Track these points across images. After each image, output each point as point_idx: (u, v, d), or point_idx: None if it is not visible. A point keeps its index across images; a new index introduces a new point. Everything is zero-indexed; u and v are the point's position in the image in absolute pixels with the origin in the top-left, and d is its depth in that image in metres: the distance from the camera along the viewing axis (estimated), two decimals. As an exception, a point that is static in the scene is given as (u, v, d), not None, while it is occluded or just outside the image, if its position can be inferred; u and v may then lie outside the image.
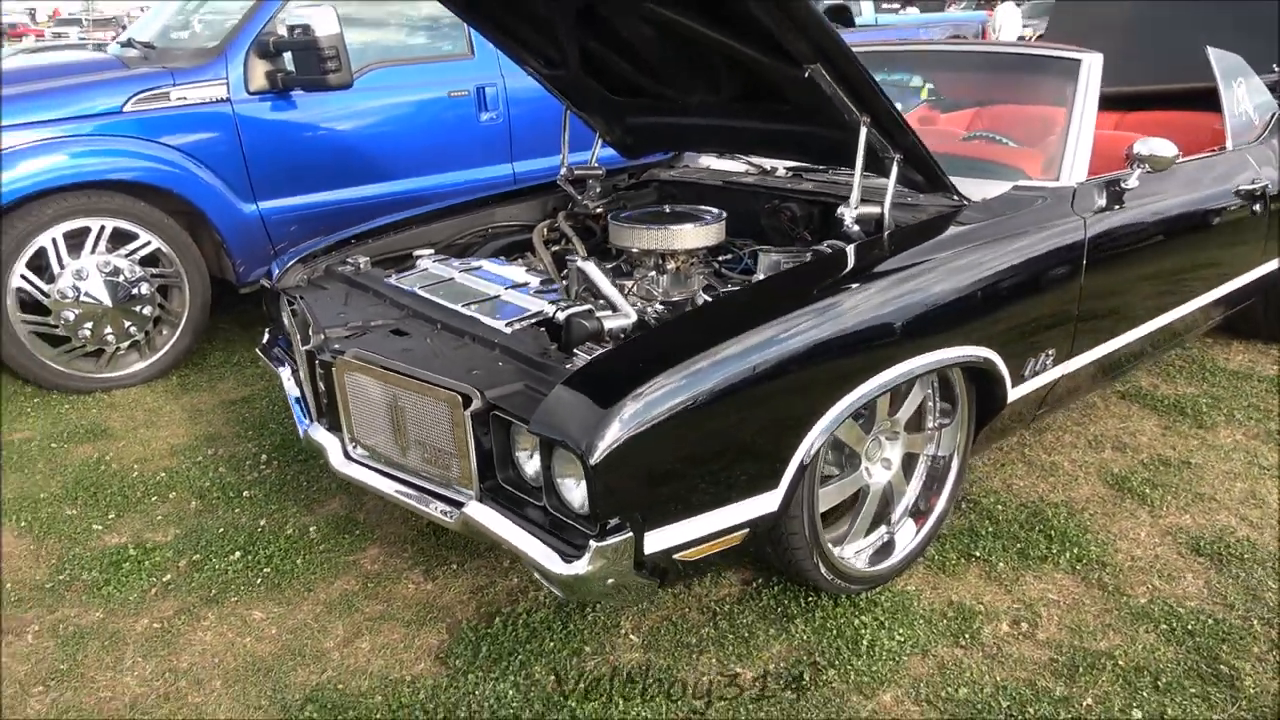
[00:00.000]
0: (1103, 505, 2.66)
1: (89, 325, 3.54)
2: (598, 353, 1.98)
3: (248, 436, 3.24)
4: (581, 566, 1.71)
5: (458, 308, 2.28)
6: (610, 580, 1.77)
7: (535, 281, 2.43)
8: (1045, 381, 2.51)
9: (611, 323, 2.13)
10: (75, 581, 2.43)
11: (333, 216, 3.95)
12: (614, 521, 1.74)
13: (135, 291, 3.61)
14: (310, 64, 3.66)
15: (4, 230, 3.36)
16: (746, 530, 1.94)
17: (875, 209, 2.39)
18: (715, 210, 2.69)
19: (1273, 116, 3.52)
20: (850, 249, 2.29)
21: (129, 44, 4.27)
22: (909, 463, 2.46)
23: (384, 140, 4.15)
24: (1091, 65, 2.76)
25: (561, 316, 2.14)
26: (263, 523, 2.67)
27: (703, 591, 2.31)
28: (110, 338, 3.60)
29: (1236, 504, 2.65)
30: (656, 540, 1.79)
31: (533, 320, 2.18)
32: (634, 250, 2.63)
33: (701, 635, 2.15)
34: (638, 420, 1.69)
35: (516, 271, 2.54)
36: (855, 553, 2.31)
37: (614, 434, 1.66)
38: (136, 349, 3.73)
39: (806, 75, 2.19)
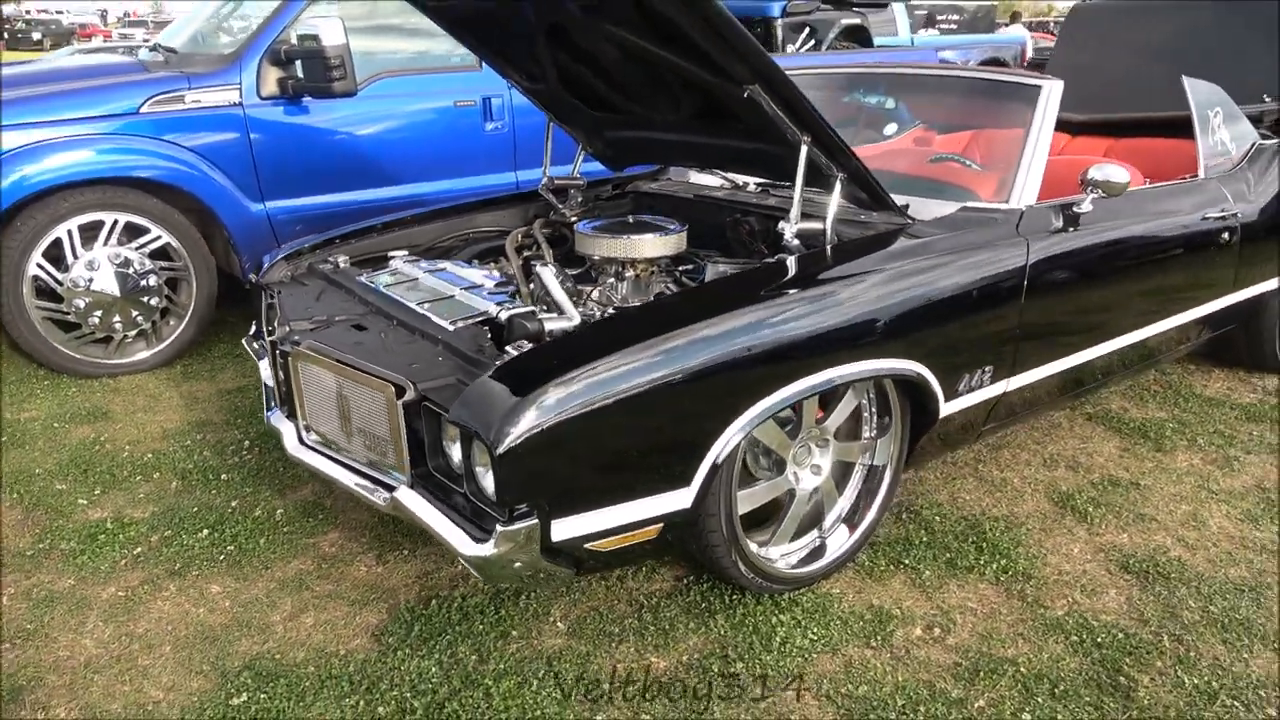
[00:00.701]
0: (1042, 521, 2.71)
1: (98, 313, 3.75)
2: (526, 349, 2.10)
3: (236, 424, 3.41)
4: (487, 549, 1.83)
5: (413, 305, 2.42)
6: (518, 564, 1.88)
7: (491, 284, 2.56)
8: (985, 398, 2.58)
9: (554, 324, 2.25)
10: (54, 550, 2.60)
11: (338, 218, 4.11)
12: (522, 508, 1.85)
13: (143, 283, 3.82)
14: (316, 71, 3.84)
15: (24, 220, 3.58)
16: (660, 525, 2.04)
17: (819, 224, 2.49)
18: (676, 222, 2.80)
19: (1252, 146, 3.54)
20: (788, 260, 2.38)
21: (155, 49, 4.50)
22: (844, 471, 2.54)
23: (389, 146, 4.32)
24: (1051, 92, 2.83)
25: (503, 316, 2.26)
26: (235, 504, 2.82)
27: (635, 585, 2.41)
28: (118, 326, 3.81)
29: (1176, 525, 2.69)
30: (565, 528, 1.90)
31: (477, 319, 2.31)
32: (596, 258, 2.75)
33: (624, 625, 2.26)
34: (547, 413, 1.80)
35: (477, 274, 2.67)
36: (782, 555, 2.40)
37: (521, 425, 1.78)
38: (144, 338, 3.93)
39: (746, 95, 2.30)
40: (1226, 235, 3.21)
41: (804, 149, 2.40)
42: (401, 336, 2.33)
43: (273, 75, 3.99)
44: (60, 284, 3.68)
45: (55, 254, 3.68)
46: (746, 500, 2.27)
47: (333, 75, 3.83)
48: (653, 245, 2.67)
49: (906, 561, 2.50)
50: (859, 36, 6.44)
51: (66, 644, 2.22)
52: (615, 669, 2.11)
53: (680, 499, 2.02)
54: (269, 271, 2.95)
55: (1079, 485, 2.92)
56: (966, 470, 3.02)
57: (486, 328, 2.29)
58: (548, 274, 2.48)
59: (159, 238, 3.84)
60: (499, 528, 1.83)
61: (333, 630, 2.26)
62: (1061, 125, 4.16)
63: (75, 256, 3.68)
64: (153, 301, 3.87)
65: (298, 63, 3.94)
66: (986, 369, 2.54)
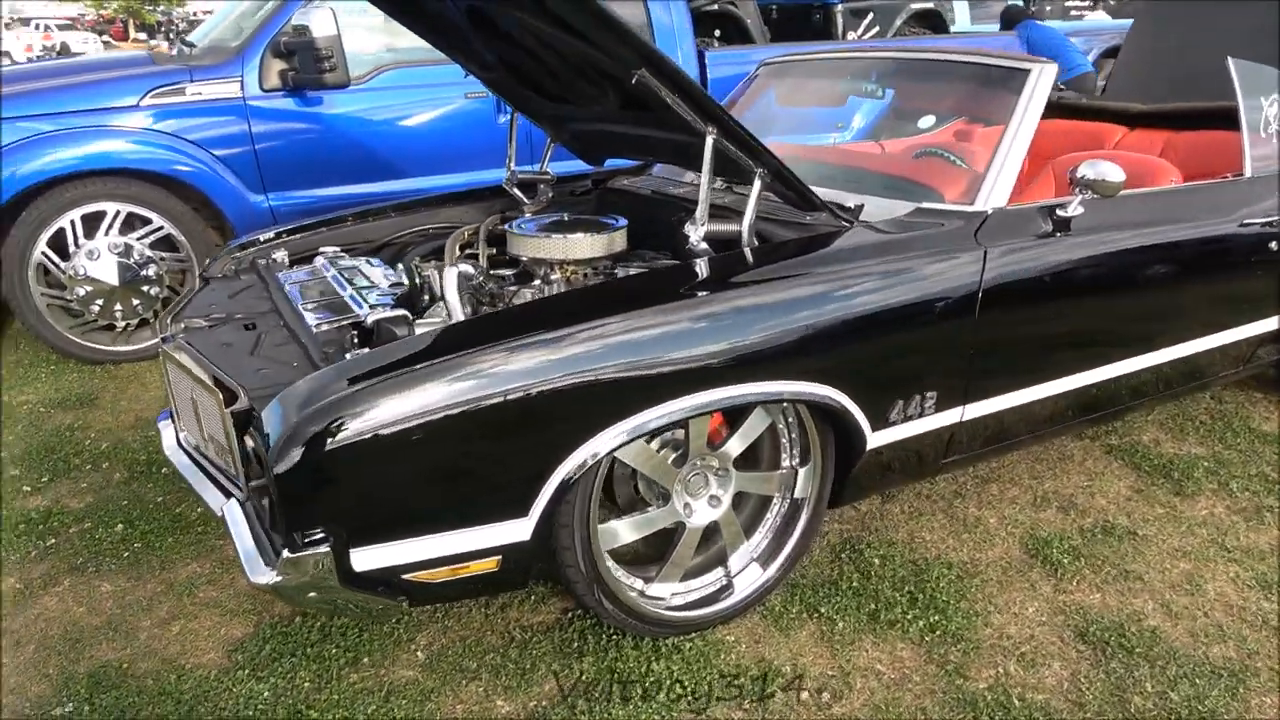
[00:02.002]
0: (1004, 571, 2.36)
1: (99, 302, 3.83)
2: (348, 356, 1.92)
3: (205, 416, 3.40)
4: (269, 576, 1.68)
5: (297, 306, 2.30)
6: (313, 594, 1.73)
7: (385, 284, 2.41)
8: (930, 428, 2.26)
9: (427, 329, 2.08)
10: (-22, 537, 2.63)
11: (340, 210, 4.09)
12: (316, 534, 1.70)
13: (144, 273, 3.88)
14: (309, 64, 3.80)
15: (30, 210, 3.69)
16: (498, 558, 1.85)
17: (733, 225, 2.23)
18: (614, 221, 2.59)
19: (1325, 140, 3.02)
20: (692, 264, 2.14)
21: (184, 43, 4.59)
22: (762, 504, 2.28)
23: (395, 138, 4.26)
24: (1039, 78, 2.46)
25: (370, 320, 2.11)
26: (162, 499, 2.80)
27: (517, 615, 2.23)
28: (118, 314, 3.88)
29: (1165, 588, 2.29)
30: (370, 558, 1.74)
31: (346, 322, 2.16)
32: (524, 259, 2.58)
33: (484, 662, 2.07)
34: (339, 431, 1.64)
35: (382, 274, 2.52)
36: (674, 593, 2.16)
37: (306, 444, 1.62)
38: (148, 326, 4.01)
39: (635, 81, 2.07)
40: (1276, 245, 2.74)
41: (709, 140, 2.14)
42: (280, 338, 2.22)
43: (275, 68, 3.98)
44: (63, 272, 3.78)
45: (61, 243, 3.78)
46: (622, 532, 2.05)
47: (324, 67, 3.79)
48: (580, 245, 2.47)
49: (824, 610, 2.21)
50: (931, 21, 5.98)
51: (-57, 636, 2.22)
52: (456, 710, 1.94)
53: (518, 530, 1.82)
54: (215, 263, 2.90)
55: (1063, 530, 2.54)
56: (939, 505, 2.68)
57: (354, 331, 2.14)
58: (449, 275, 2.32)
59: (161, 228, 3.90)
60: (284, 554, 1.68)
61: (192, 642, 2.17)
62: (1118, 117, 3.71)
63: (77, 246, 3.77)
64: (153, 291, 3.93)
65: (295, 55, 3.91)
66: (928, 395, 2.22)
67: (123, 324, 3.92)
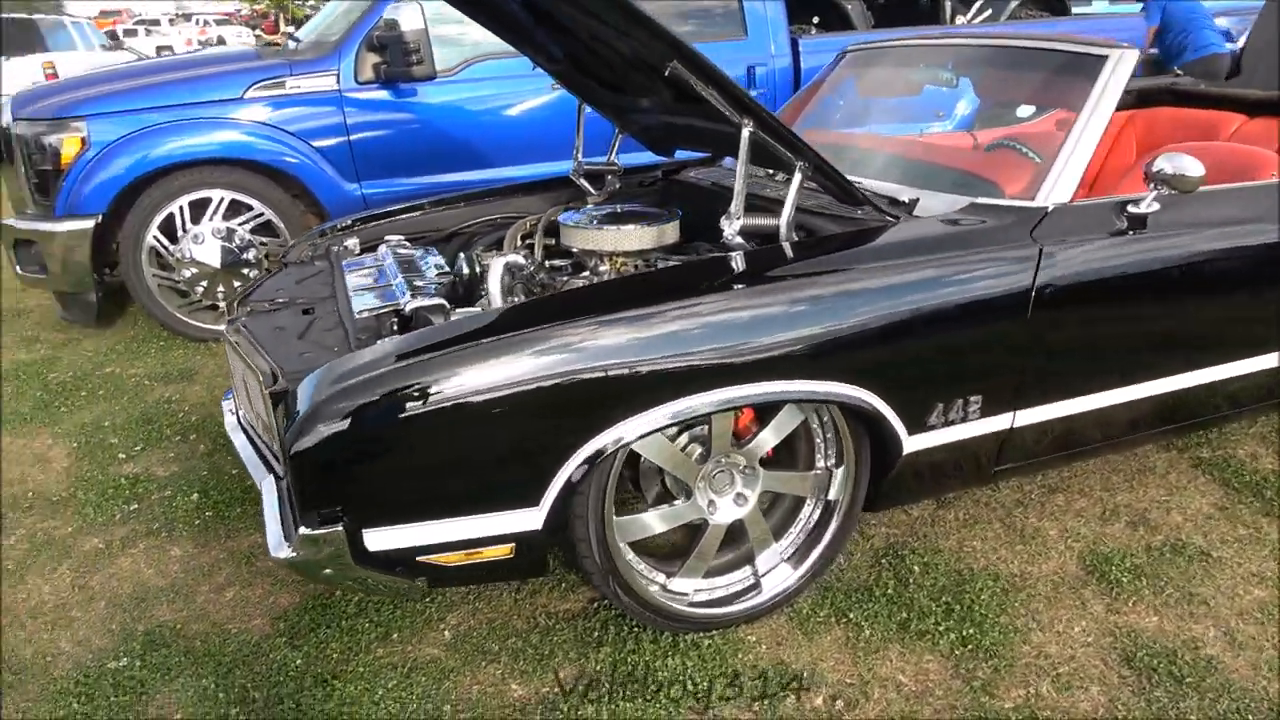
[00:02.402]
0: (1054, 587, 2.24)
1: (204, 283, 4.08)
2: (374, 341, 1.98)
3: (289, 394, 3.58)
4: (285, 552, 1.76)
5: (349, 292, 2.39)
6: (329, 571, 1.80)
7: (434, 274, 2.47)
8: (972, 434, 2.16)
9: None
10: (74, 498, 2.85)
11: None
12: (332, 513, 1.76)
13: (244, 256, 4.11)
14: (398, 57, 3.93)
15: (144, 196, 3.96)
16: (512, 544, 1.88)
17: (771, 220, 2.19)
18: (665, 212, 2.59)
19: None
20: (725, 258, 2.11)
21: (292, 38, 4.82)
22: (795, 505, 2.23)
23: (483, 129, 4.35)
24: (1118, 65, 2.31)
25: (408, 308, 2.17)
26: (235, 471, 2.96)
27: (545, 601, 2.26)
28: (221, 295, 4.12)
29: (1232, 615, 2.12)
30: (385, 539, 1.79)
31: (387, 309, 2.23)
32: (575, 250, 2.60)
33: (505, 645, 2.11)
34: (358, 415, 1.70)
35: (435, 264, 2.58)
36: (696, 589, 2.14)
37: (322, 426, 1.69)
38: (249, 307, 4.24)
39: (669, 74, 2.05)
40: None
41: (745, 133, 2.10)
42: (331, 323, 2.31)
43: (369, 61, 4.13)
44: (171, 255, 4.04)
45: (171, 228, 4.04)
46: (645, 525, 2.05)
47: (411, 60, 3.91)
48: (629, 237, 2.48)
49: (853, 615, 2.15)
50: (1050, 3, 5.65)
51: (30, 587, 2.42)
52: (471, 691, 1.98)
53: (529, 519, 1.85)
54: (293, 249, 3.05)
55: (1129, 547, 2.38)
56: (997, 513, 2.56)
57: (395, 319, 2.21)
58: (495, 265, 2.36)
59: (261, 214, 4.12)
60: (301, 530, 1.75)
61: (243, 608, 2.30)
62: (1237, 104, 3.44)
63: (184, 230, 4.03)
64: (253, 273, 4.15)
65: (387, 49, 4.05)
66: (972, 400, 2.12)
67: (225, 304, 4.16)
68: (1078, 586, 2.24)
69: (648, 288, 1.98)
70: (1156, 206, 2.22)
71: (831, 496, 2.19)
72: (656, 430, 1.86)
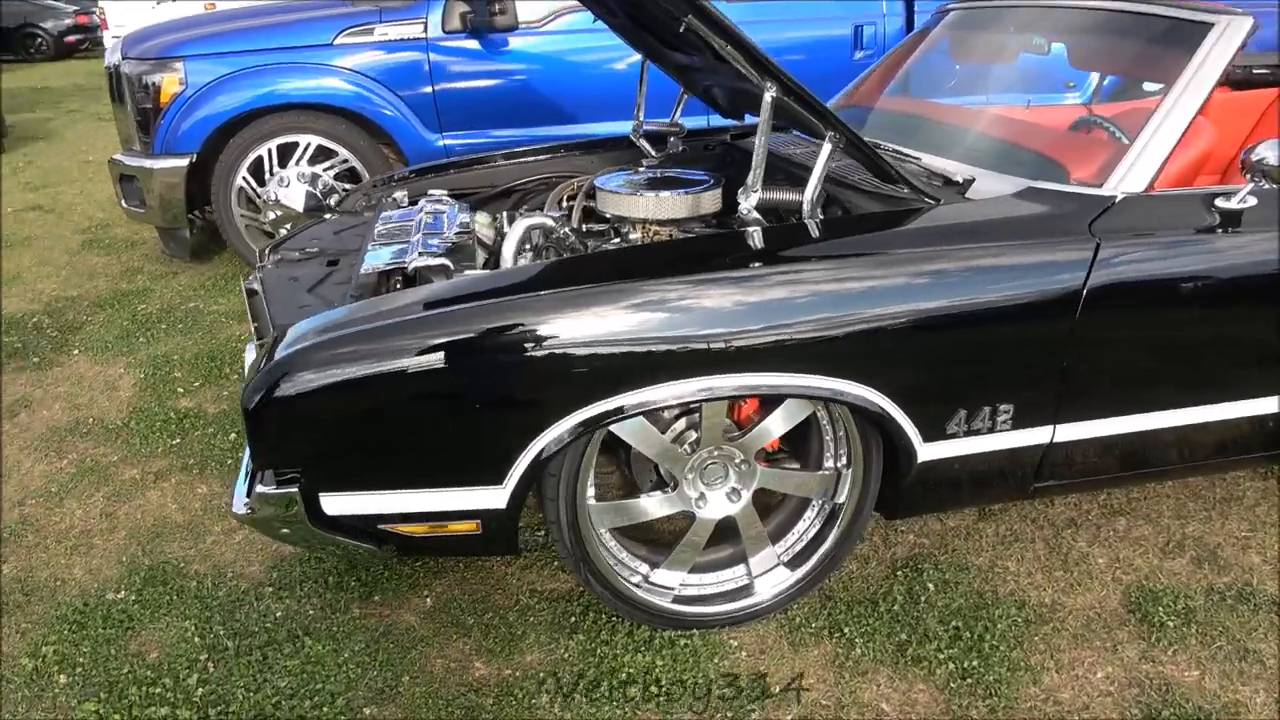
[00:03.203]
0: (1086, 623, 2.01)
1: (286, 226, 4.17)
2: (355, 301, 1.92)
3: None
4: (242, 508, 1.74)
5: (368, 246, 2.35)
6: (286, 530, 1.77)
7: (452, 232, 2.40)
8: (1002, 446, 1.94)
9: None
10: (126, 428, 2.98)
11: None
12: (289, 474, 1.73)
13: (327, 202, 4.17)
14: (482, 6, 3.87)
15: (235, 139, 4.07)
16: (477, 521, 1.81)
17: (793, 195, 2.01)
18: (710, 180, 2.44)
19: None
20: (718, 233, 1.96)
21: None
22: (801, 507, 2.08)
23: (568, 83, 4.25)
24: (1224, 34, 2.00)
25: (411, 266, 2.11)
26: (278, 415, 3.01)
27: (534, 578, 2.20)
28: (302, 239, 4.21)
29: (1290, 679, 1.85)
30: (341, 504, 1.76)
31: (390, 267, 2.18)
32: (609, 215, 2.50)
33: (481, 620, 2.06)
34: (302, 377, 1.65)
35: (464, 221, 2.52)
36: (682, 584, 2.03)
37: (272, 385, 1.65)
38: (330, 252, 4.32)
39: (683, 29, 1.89)
40: None
41: (768, 97, 1.93)
42: (344, 277, 2.29)
43: (457, 10, 4.08)
44: (258, 196, 4.15)
45: (259, 170, 4.15)
46: (627, 512, 1.94)
47: (494, 10, 3.84)
48: (660, 205, 2.34)
49: (847, 630, 1.99)
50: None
51: (66, 511, 2.54)
52: (435, 664, 1.94)
53: (492, 497, 1.77)
54: (348, 198, 3.06)
55: (1187, 586, 2.11)
56: (1044, 532, 2.32)
57: (400, 277, 2.16)
58: (516, 227, 2.28)
59: (346, 160, 4.17)
60: (256, 489, 1.73)
61: (245, 553, 2.33)
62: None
63: (271, 174, 4.12)
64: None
65: (474, -2, 4.00)
66: (1001, 409, 1.90)
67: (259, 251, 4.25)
68: (1114, 625, 2.00)
69: (638, 261, 1.85)
70: (1253, 201, 1.92)
71: (838, 499, 2.02)
72: (628, 417, 1.73)
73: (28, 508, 2.55)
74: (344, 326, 1.70)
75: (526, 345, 1.65)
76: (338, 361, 1.66)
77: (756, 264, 1.75)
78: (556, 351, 1.66)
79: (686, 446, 1.91)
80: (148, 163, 4.10)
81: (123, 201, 4.35)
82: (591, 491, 1.91)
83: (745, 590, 2.05)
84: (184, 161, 4.05)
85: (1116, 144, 2.14)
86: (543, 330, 1.66)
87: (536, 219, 2.40)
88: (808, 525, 2.07)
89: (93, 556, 2.33)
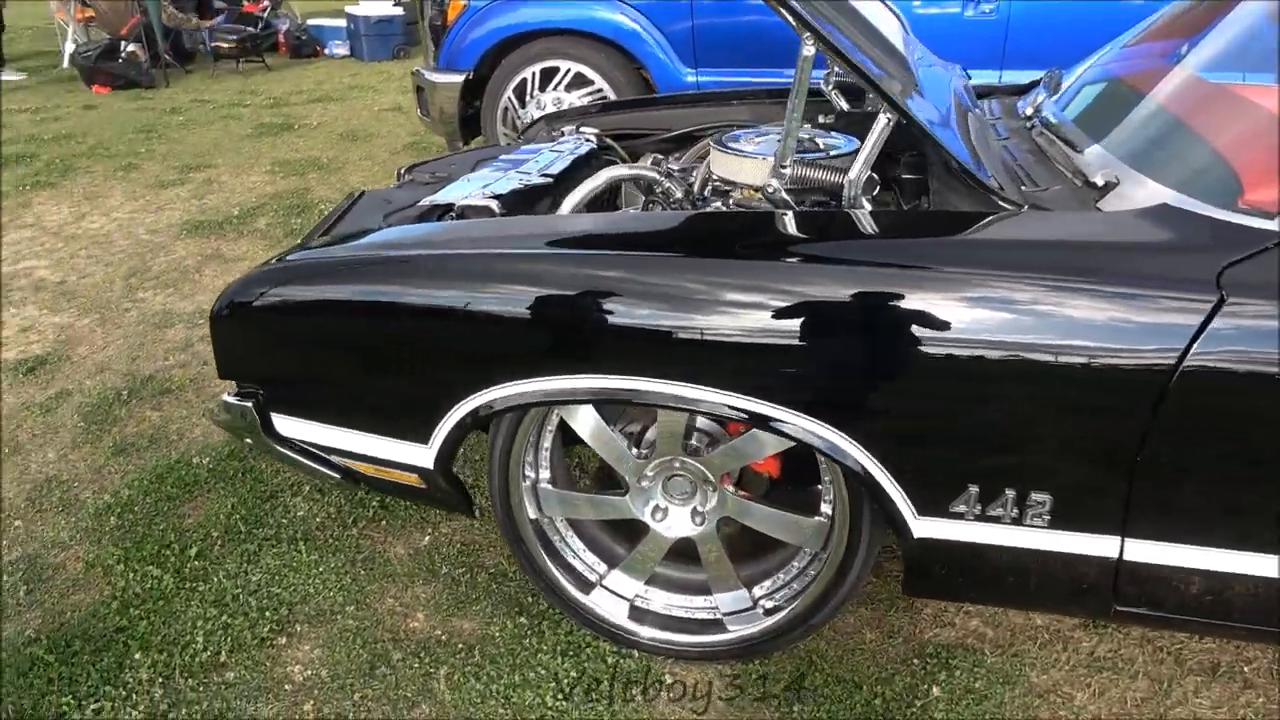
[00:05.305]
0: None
1: (538, 149, 4.31)
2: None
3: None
4: (220, 413, 1.82)
5: (464, 177, 2.33)
6: (249, 440, 1.83)
7: (534, 174, 2.28)
8: (1041, 546, 1.45)
9: None
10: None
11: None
12: (250, 388, 1.79)
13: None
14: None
15: (504, 60, 4.26)
16: (416, 475, 1.75)
17: (831, 175, 1.64)
18: (836, 146, 2.10)
19: None
20: (736, 212, 1.66)
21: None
22: (793, 553, 1.75)
23: (835, 25, 3.85)
24: None
25: (459, 204, 2.06)
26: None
27: (530, 546, 2.09)
28: (551, 163, 4.33)
29: None
30: (291, 428, 1.78)
31: (445, 201, 2.13)
32: (714, 176, 2.25)
33: (453, 574, 2.01)
34: (262, 301, 1.67)
35: (557, 162, 2.37)
36: (637, 595, 1.80)
37: (234, 294, 1.69)
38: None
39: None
40: None
41: (805, 51, 1.57)
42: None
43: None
44: (518, 117, 4.31)
45: (522, 91, 4.30)
46: (567, 504, 1.77)
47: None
48: (740, 168, 2.05)
49: (794, 709, 1.65)
50: None
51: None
52: (382, 603, 1.93)
53: (419, 455, 1.69)
54: (531, 128, 3.07)
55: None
56: (1162, 666, 1.74)
57: (451, 214, 2.11)
58: (600, 175, 2.16)
59: (600, 90, 4.18)
60: (223, 396, 1.81)
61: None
62: None
63: (531, 96, 4.26)
64: (581, 147, 4.27)
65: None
66: (1034, 498, 1.42)
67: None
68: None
69: (641, 232, 1.63)
70: None
71: (825, 551, 1.66)
72: (539, 404, 1.55)
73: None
74: (312, 256, 1.70)
75: (454, 308, 1.52)
76: (293, 288, 1.66)
77: (731, 253, 1.45)
78: (490, 310, 1.51)
79: (638, 451, 1.68)
80: (433, 76, 4.43)
81: (419, 111, 4.76)
82: (545, 475, 1.75)
83: (714, 626, 1.78)
84: (459, 78, 4.32)
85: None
86: (470, 293, 1.52)
87: (625, 169, 2.23)
88: (792, 576, 1.73)
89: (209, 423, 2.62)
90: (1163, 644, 1.79)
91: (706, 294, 1.41)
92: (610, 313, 1.44)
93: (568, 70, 4.18)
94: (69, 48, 8.21)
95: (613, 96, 4.15)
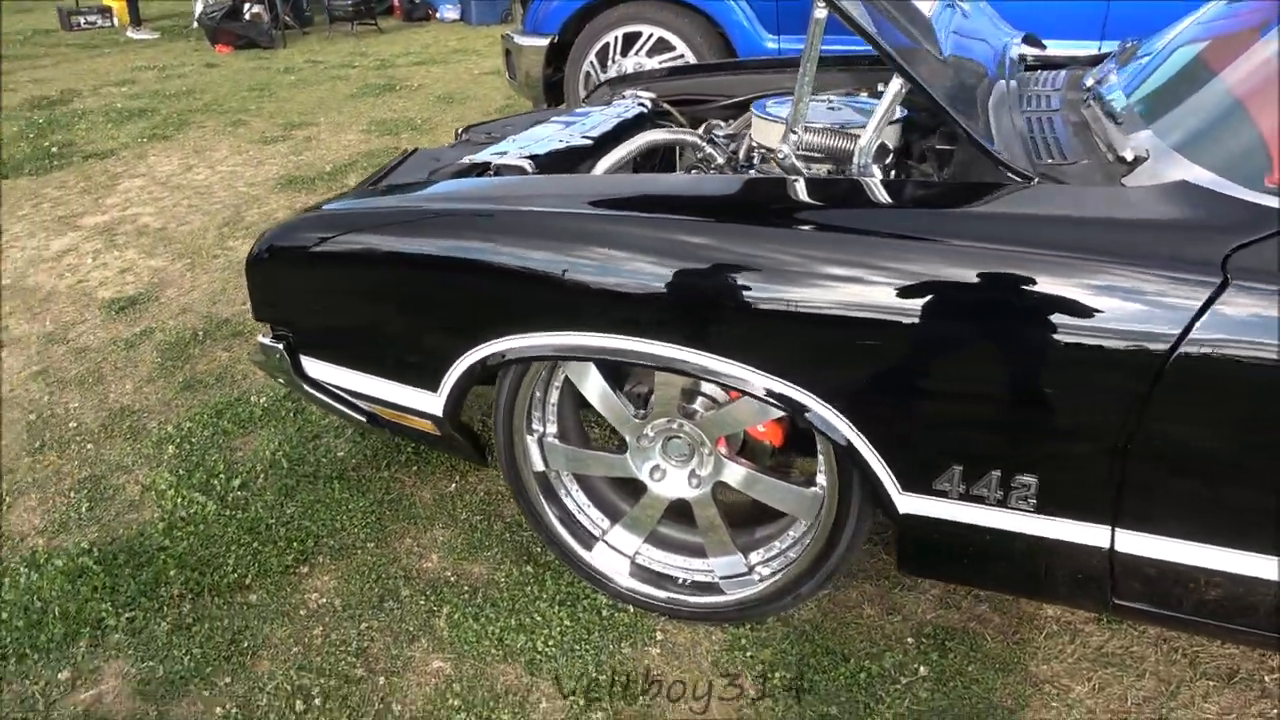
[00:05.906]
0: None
1: (617, 114, 4.33)
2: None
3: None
4: (257, 354, 1.93)
5: (514, 137, 2.37)
6: (282, 380, 1.94)
7: (577, 136, 2.30)
8: (1029, 530, 1.41)
9: None
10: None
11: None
12: (283, 330, 1.89)
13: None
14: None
15: (588, 25, 4.28)
16: (431, 422, 1.82)
17: (841, 141, 1.61)
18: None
19: None
20: (755, 178, 1.65)
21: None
22: (789, 522, 1.75)
23: None
24: None
25: (495, 163, 2.10)
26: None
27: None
28: (628, 129, 4.34)
29: None
30: (318, 370, 1.87)
31: (483, 159, 2.18)
32: (752, 141, 2.24)
33: (473, 521, 2.09)
34: (290, 247, 1.77)
35: (608, 123, 2.39)
36: (636, 552, 1.84)
37: (270, 240, 1.79)
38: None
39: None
40: None
41: (816, 11, 1.53)
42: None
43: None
44: (601, 82, 4.33)
45: (604, 55, 4.32)
46: (574, 460, 1.81)
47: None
48: (773, 133, 2.04)
49: (777, 672, 1.66)
50: None
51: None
52: (401, 544, 2.02)
53: (429, 402, 1.76)
54: (594, 92, 3.10)
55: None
56: (1175, 667, 1.68)
57: (491, 172, 2.16)
58: (640, 137, 2.18)
59: (680, 55, 4.16)
60: (259, 337, 1.91)
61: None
62: None
63: (613, 61, 4.27)
64: (659, 114, 4.27)
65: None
66: (1020, 480, 1.38)
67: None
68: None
69: (655, 194, 1.64)
70: None
71: (815, 525, 1.65)
72: (546, 358, 1.59)
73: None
74: (344, 205, 1.78)
75: (470, 260, 1.58)
76: (323, 235, 1.74)
77: (730, 218, 1.46)
78: (481, 272, 1.57)
79: (637, 411, 1.70)
80: (519, 39, 4.48)
81: (506, 74, 4.83)
82: (553, 429, 1.80)
83: (711, 589, 1.80)
84: (544, 41, 4.36)
85: None
86: (477, 246, 1.57)
87: (663, 134, 2.24)
88: (783, 546, 1.73)
89: (278, 365, 2.76)
90: (1179, 645, 1.71)
91: (706, 257, 1.42)
92: (612, 273, 1.46)
93: (650, 35, 4.17)
94: (198, 8, 8.64)
95: (693, 61, 4.13)
